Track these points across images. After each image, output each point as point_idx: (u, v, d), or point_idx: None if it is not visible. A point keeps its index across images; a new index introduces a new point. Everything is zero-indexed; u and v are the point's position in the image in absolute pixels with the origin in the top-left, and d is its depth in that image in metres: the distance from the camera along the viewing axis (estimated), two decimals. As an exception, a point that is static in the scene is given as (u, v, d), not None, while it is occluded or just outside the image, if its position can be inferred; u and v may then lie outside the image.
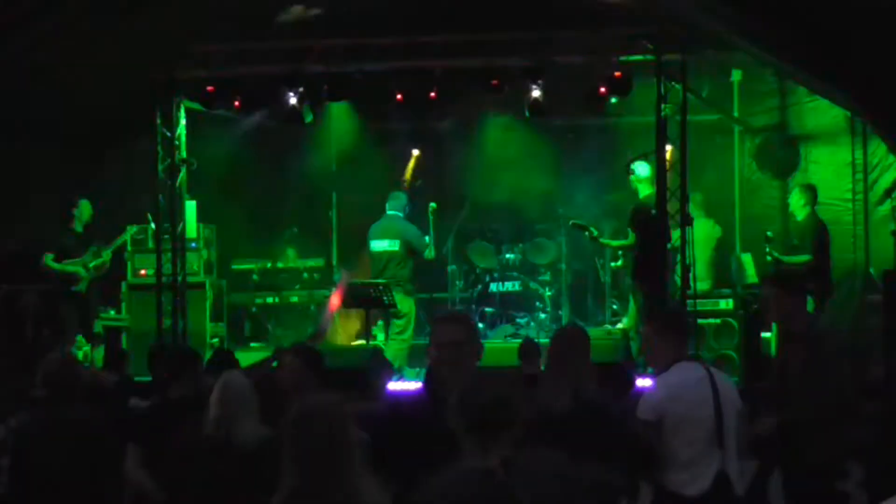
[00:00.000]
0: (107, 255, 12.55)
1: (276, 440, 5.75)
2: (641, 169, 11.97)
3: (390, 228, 12.47)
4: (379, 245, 12.44)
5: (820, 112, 13.75)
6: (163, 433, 6.13)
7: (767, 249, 11.66)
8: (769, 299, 7.11)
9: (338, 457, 4.36)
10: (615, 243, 12.83)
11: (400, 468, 4.52)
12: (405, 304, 12.36)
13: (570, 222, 13.05)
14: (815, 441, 6.53)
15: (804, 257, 11.54)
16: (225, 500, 5.73)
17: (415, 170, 14.57)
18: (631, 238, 11.96)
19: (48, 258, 12.25)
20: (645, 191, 11.92)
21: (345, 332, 13.88)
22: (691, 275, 11.40)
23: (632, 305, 12.24)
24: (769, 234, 11.84)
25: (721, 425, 5.87)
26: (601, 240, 12.75)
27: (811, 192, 11.98)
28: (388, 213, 12.60)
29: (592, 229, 12.63)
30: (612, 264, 13.66)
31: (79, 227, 12.54)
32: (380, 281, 12.14)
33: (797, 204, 11.89)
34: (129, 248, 13.33)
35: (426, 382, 5.09)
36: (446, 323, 5.13)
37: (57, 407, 6.33)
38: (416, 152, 14.72)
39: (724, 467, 5.87)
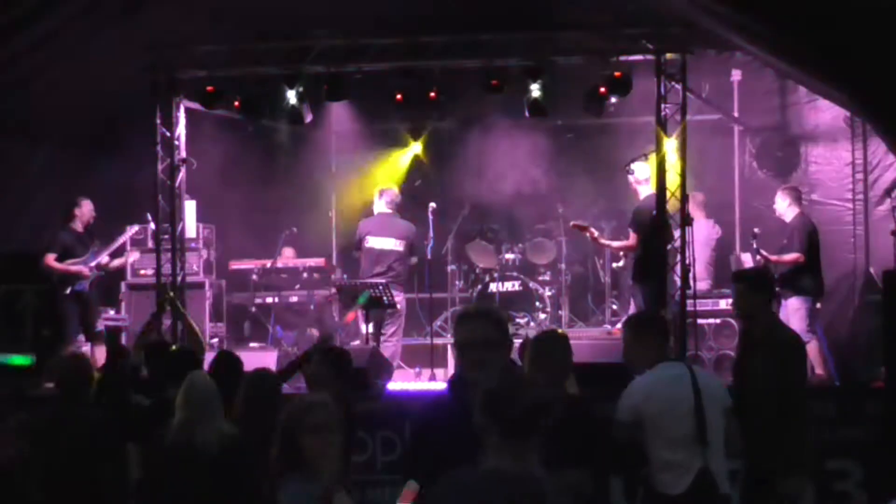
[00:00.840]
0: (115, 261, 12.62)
1: (237, 441, 5.78)
2: (641, 170, 11.96)
3: (394, 227, 12.44)
4: (384, 243, 12.40)
5: (820, 112, 13.75)
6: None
7: (755, 246, 11.61)
8: (735, 295, 7.11)
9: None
10: (615, 244, 12.83)
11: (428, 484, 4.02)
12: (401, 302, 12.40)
13: (571, 223, 13.05)
14: (771, 443, 6.52)
15: (793, 256, 11.49)
16: (187, 502, 5.74)
17: (411, 166, 14.59)
18: (632, 239, 11.96)
19: (50, 257, 12.25)
20: (645, 191, 11.91)
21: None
22: (691, 274, 11.39)
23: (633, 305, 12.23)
24: (756, 230, 11.82)
25: (703, 423, 5.86)
26: (601, 240, 12.75)
27: (794, 192, 11.95)
28: (385, 209, 12.55)
29: (593, 230, 12.63)
30: (614, 264, 13.66)
31: (80, 227, 12.54)
32: (380, 281, 12.13)
33: (783, 206, 11.86)
34: (128, 247, 13.36)
35: (452, 388, 4.60)
36: (471, 319, 4.51)
37: (62, 406, 6.35)
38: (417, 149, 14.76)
39: (706, 465, 5.86)
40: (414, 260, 12.55)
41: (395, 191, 12.76)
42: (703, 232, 12.76)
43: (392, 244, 12.39)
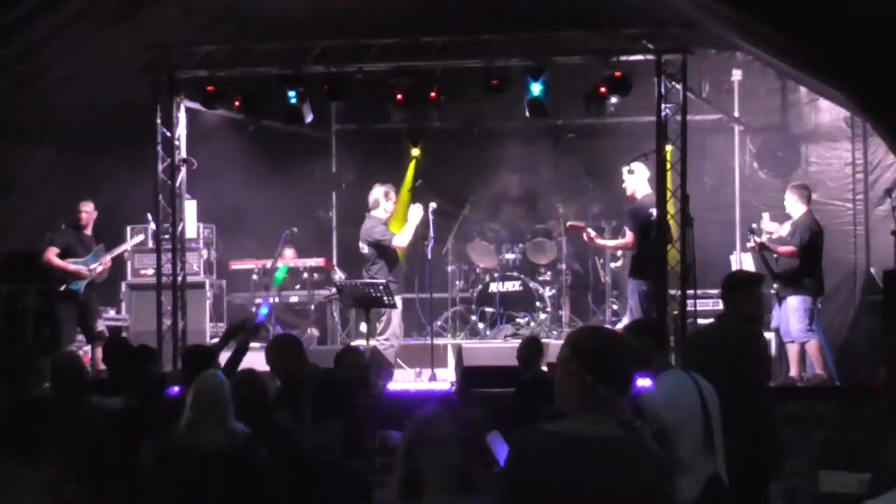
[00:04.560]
0: (107, 261, 12.56)
1: (248, 441, 5.77)
2: (640, 169, 11.97)
3: (363, 230, 12.46)
4: (360, 247, 12.47)
5: (820, 112, 13.77)
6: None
7: (751, 239, 11.55)
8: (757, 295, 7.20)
9: None
10: (612, 243, 12.84)
11: None
12: None
13: (567, 224, 13.05)
14: None
15: (789, 248, 11.41)
16: (195, 502, 5.73)
17: (414, 173, 14.56)
18: (629, 238, 11.95)
19: (52, 251, 12.25)
20: (643, 191, 11.91)
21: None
22: (691, 275, 11.38)
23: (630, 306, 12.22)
24: (753, 225, 11.78)
25: (710, 429, 5.88)
26: (598, 240, 12.75)
27: (803, 190, 11.89)
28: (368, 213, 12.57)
29: (590, 230, 12.63)
30: (613, 265, 13.66)
31: (83, 229, 12.54)
32: (380, 281, 12.13)
33: (790, 203, 11.81)
34: (128, 251, 13.39)
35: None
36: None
37: (56, 406, 6.33)
38: (415, 152, 14.69)
39: (716, 470, 5.87)
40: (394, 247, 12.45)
41: (374, 190, 12.60)
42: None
43: (361, 247, 12.43)
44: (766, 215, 12.07)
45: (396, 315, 12.28)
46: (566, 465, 3.60)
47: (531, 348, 9.16)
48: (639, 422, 3.80)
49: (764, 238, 11.48)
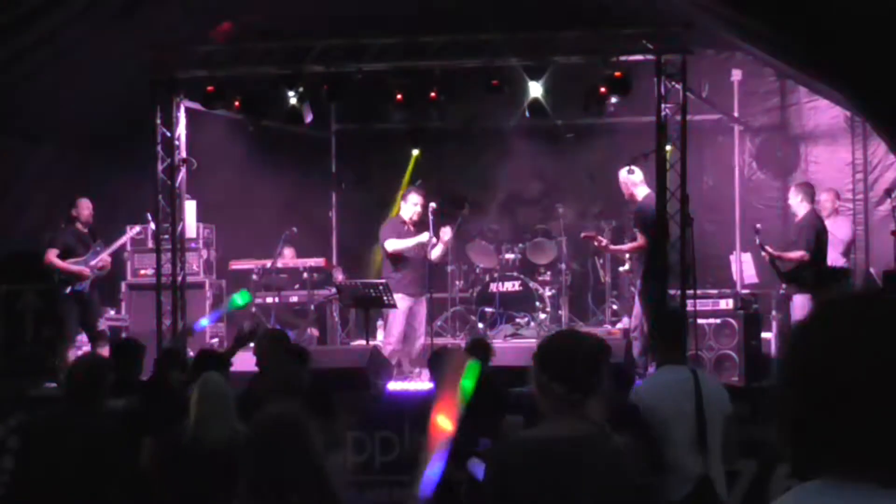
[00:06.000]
0: (106, 257, 12.56)
1: (246, 438, 5.77)
2: (637, 172, 11.95)
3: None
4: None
5: (820, 112, 13.77)
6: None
7: (758, 242, 11.56)
8: None
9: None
10: (625, 247, 12.80)
11: None
12: None
13: (581, 234, 12.98)
14: None
15: (798, 254, 11.43)
16: (196, 500, 5.73)
17: (413, 171, 14.59)
18: (640, 239, 11.92)
19: (52, 252, 12.24)
20: (643, 192, 11.90)
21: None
22: (691, 275, 11.37)
23: (637, 305, 12.19)
24: (758, 226, 11.77)
25: (703, 429, 5.83)
26: (611, 247, 12.71)
27: (808, 188, 11.90)
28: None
29: (601, 238, 12.61)
30: (620, 268, 13.61)
31: (81, 227, 12.53)
32: (380, 281, 12.15)
33: (795, 201, 11.83)
34: (128, 247, 13.37)
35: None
36: None
37: (63, 407, 6.33)
38: (415, 152, 14.71)
39: (706, 471, 5.83)
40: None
41: (410, 194, 12.72)
42: (842, 230, 12.65)
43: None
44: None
45: (396, 315, 12.29)
46: (537, 467, 3.64)
47: (479, 350, 8.23)
48: (606, 423, 3.79)
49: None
